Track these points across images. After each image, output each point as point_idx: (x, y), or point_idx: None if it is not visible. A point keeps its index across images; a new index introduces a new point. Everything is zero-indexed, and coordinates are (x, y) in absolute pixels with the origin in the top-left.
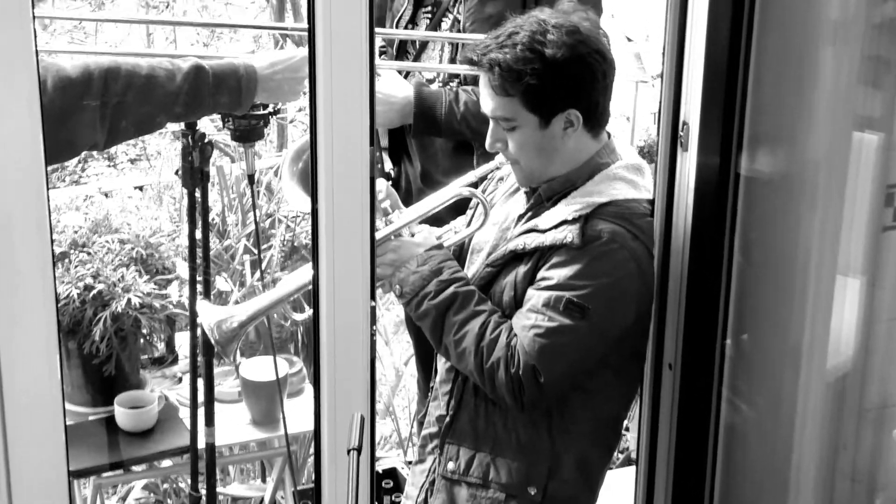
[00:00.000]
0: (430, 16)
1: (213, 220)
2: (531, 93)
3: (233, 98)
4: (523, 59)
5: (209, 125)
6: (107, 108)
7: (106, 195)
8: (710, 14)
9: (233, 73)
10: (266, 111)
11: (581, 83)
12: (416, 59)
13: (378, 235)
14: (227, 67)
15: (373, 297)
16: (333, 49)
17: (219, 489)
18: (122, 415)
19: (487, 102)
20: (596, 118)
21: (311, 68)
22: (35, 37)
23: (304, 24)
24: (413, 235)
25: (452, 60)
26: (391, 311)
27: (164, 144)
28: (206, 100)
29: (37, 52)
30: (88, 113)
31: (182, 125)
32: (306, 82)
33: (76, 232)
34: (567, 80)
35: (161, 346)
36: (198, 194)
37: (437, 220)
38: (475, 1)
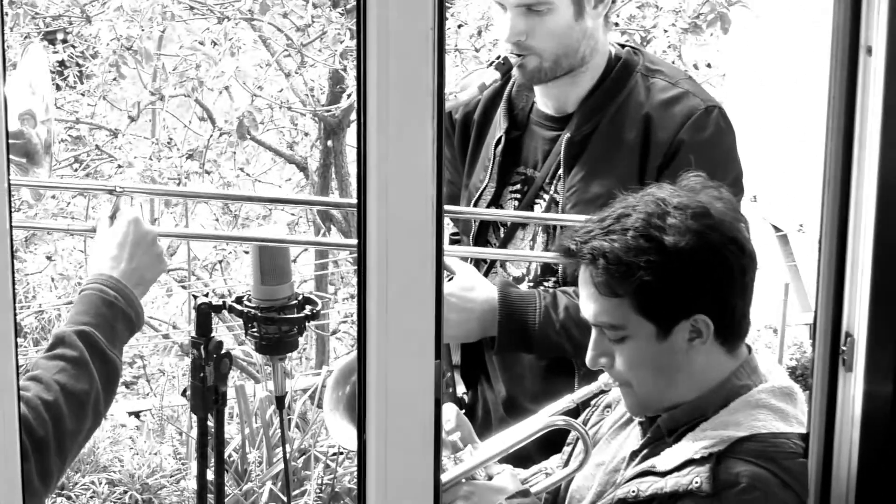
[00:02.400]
0: (518, 195)
1: (229, 456)
2: (646, 293)
3: (129, 326)
4: (636, 248)
5: (226, 335)
6: (46, 451)
7: None
8: (879, 198)
9: (106, 302)
10: (301, 314)
11: (711, 281)
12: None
13: (445, 478)
14: (97, 303)
15: None
16: (390, 237)
17: None
18: None
19: (588, 305)
20: (732, 327)
21: (359, 262)
22: None
23: (354, 200)
24: (491, 478)
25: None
26: None
27: (169, 361)
28: (117, 359)
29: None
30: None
31: (192, 332)
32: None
33: None
34: (693, 278)
35: None
36: (211, 422)
37: (523, 458)
38: (578, 178)
